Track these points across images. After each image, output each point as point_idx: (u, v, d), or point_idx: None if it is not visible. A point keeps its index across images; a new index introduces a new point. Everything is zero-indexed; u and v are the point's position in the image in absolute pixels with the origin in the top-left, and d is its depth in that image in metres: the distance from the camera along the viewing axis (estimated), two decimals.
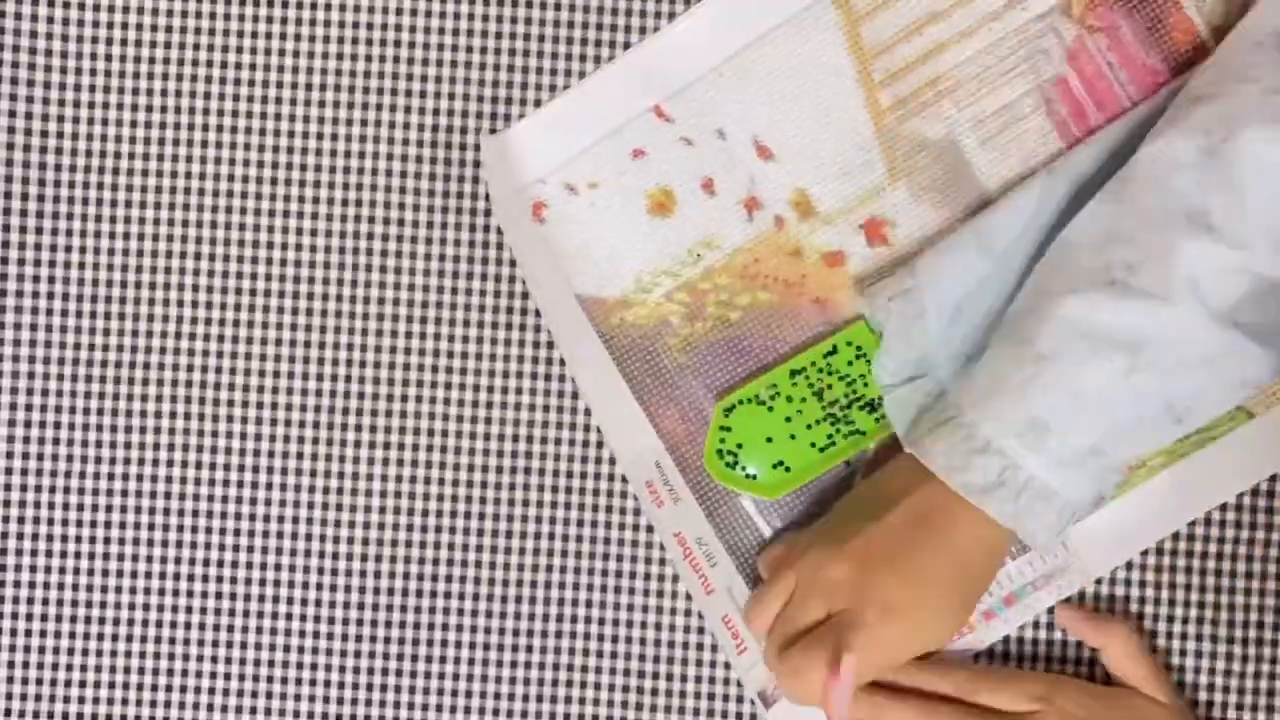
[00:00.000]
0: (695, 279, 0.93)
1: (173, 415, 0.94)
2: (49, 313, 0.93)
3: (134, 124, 0.93)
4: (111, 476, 0.94)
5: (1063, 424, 0.82)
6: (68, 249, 0.93)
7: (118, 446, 0.94)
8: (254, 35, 0.93)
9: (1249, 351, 0.81)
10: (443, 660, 0.94)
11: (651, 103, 0.93)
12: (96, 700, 0.94)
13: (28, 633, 0.94)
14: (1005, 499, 0.83)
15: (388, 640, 0.94)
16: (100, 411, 0.94)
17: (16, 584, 0.94)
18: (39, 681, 0.94)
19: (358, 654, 0.94)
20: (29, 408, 0.94)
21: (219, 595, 0.94)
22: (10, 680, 0.94)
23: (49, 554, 0.94)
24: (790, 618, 0.87)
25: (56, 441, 0.94)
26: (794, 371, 0.92)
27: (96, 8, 0.93)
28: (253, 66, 0.93)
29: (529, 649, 0.94)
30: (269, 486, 0.94)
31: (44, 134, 0.93)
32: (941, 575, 0.85)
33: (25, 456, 0.94)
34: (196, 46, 0.93)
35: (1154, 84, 0.91)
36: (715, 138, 0.93)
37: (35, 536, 0.94)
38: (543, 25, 0.93)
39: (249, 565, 0.94)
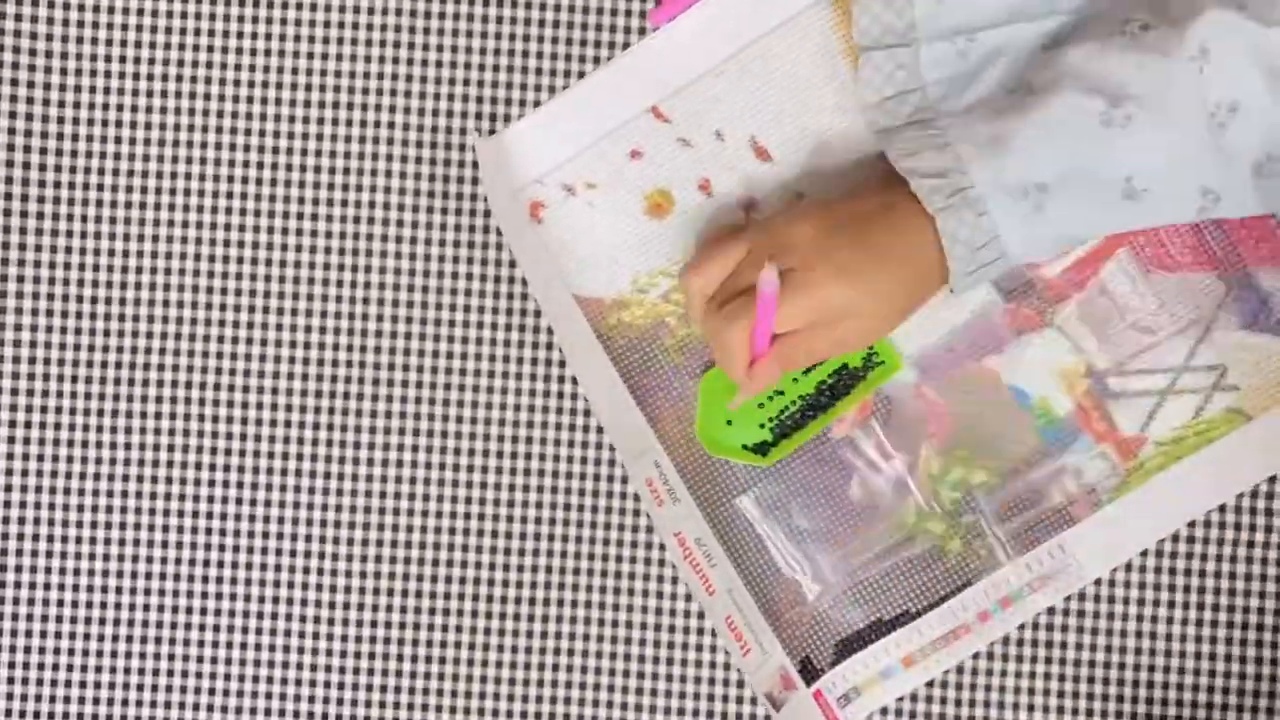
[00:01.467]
0: None
1: (172, 416, 0.94)
2: (49, 313, 0.93)
3: (134, 124, 0.93)
4: (112, 477, 0.94)
5: (1022, 148, 0.83)
6: (67, 249, 0.93)
7: (118, 447, 0.94)
8: (253, 36, 0.93)
9: (1219, 165, 0.82)
10: (442, 661, 0.94)
11: (649, 103, 0.93)
12: (97, 700, 0.94)
13: (28, 633, 0.94)
14: (939, 190, 0.83)
15: (388, 640, 0.94)
16: (100, 412, 0.94)
17: (17, 584, 0.94)
18: (39, 682, 0.94)
19: (358, 654, 0.94)
20: (29, 409, 0.94)
21: (219, 595, 0.94)
22: (10, 680, 0.94)
23: (49, 554, 0.94)
24: (736, 276, 0.87)
25: (57, 442, 0.94)
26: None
27: (96, 9, 0.93)
28: (252, 68, 0.93)
29: (528, 650, 0.94)
30: (269, 487, 0.94)
31: (44, 134, 0.93)
32: (893, 261, 0.85)
33: (25, 457, 0.94)
34: (196, 48, 0.93)
35: None
36: (713, 138, 0.93)
37: (36, 537, 0.94)
38: (541, 26, 0.93)
39: (249, 566, 0.94)
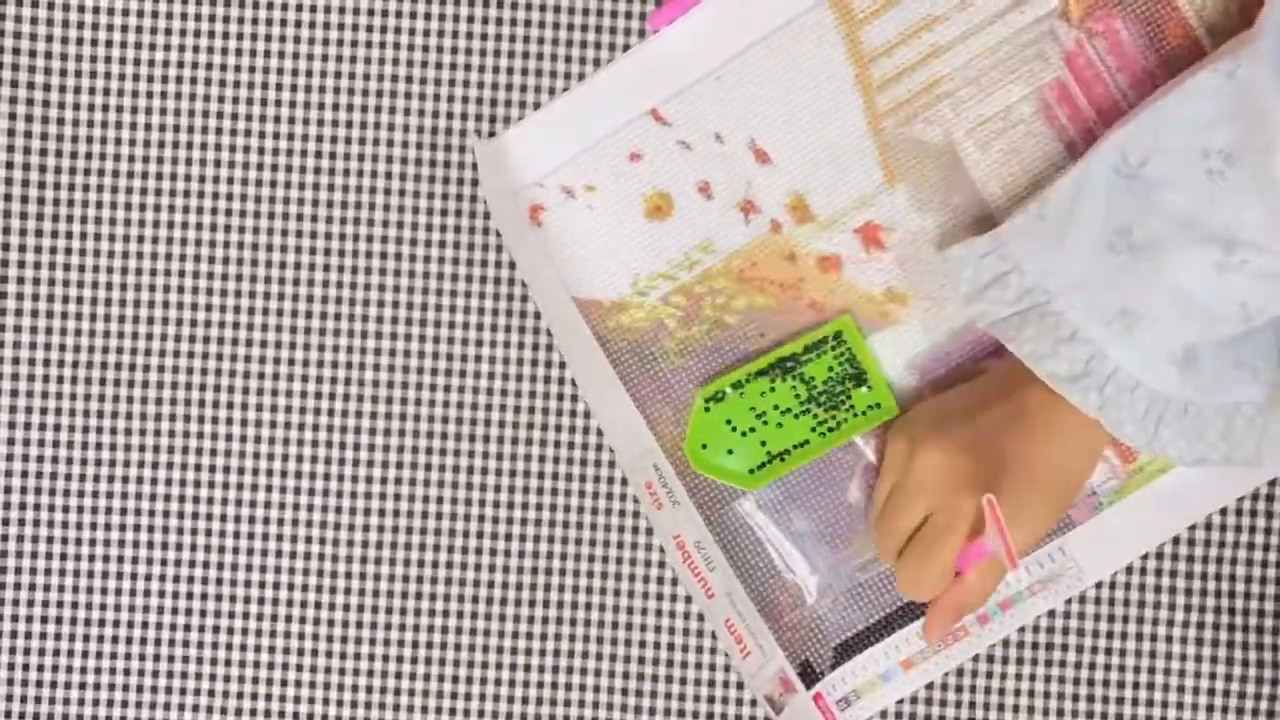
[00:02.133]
0: (691, 282, 0.93)
1: (171, 416, 0.94)
2: (49, 314, 0.93)
3: (133, 125, 0.93)
4: (112, 479, 0.94)
5: (1153, 314, 0.82)
6: (67, 250, 0.93)
7: (117, 448, 0.94)
8: (252, 37, 0.93)
9: None
10: (442, 661, 0.94)
11: (649, 106, 0.93)
12: (97, 701, 0.94)
13: (28, 634, 0.94)
14: (1090, 388, 0.83)
15: (387, 641, 0.94)
16: (100, 414, 0.94)
17: (17, 585, 0.94)
18: (39, 683, 0.94)
19: (358, 655, 0.94)
20: (29, 410, 0.94)
21: (217, 595, 0.94)
22: (10, 682, 0.95)
23: (49, 555, 0.94)
24: (891, 519, 0.87)
25: (56, 444, 0.94)
26: (781, 360, 0.92)
27: (96, 10, 0.93)
28: (251, 69, 0.93)
29: (528, 651, 0.94)
30: (268, 489, 0.94)
31: (44, 135, 0.93)
32: (1040, 469, 0.86)
33: (25, 458, 0.94)
34: (196, 49, 0.93)
35: (1152, 88, 0.91)
36: (713, 141, 0.93)
37: (35, 538, 0.94)
38: (541, 28, 0.93)
39: (248, 567, 0.94)
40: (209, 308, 0.93)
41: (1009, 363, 0.88)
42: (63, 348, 0.93)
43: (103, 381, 0.94)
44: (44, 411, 0.94)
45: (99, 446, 0.94)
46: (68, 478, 0.94)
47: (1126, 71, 0.91)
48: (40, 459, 0.94)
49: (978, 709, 0.94)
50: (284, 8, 0.93)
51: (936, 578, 0.85)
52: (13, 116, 0.93)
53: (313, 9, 0.93)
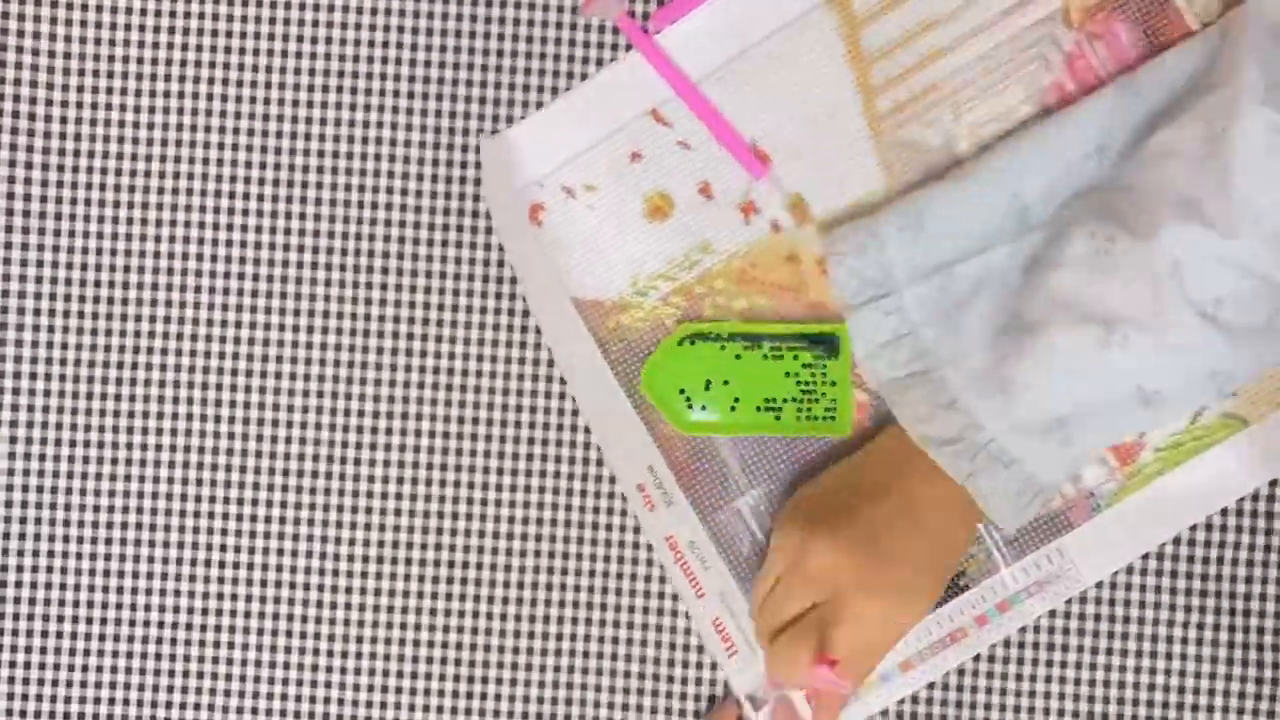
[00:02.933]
0: (691, 283, 0.93)
1: (174, 417, 0.94)
2: (51, 313, 0.94)
3: (136, 124, 0.93)
4: (114, 477, 0.94)
5: (1031, 390, 0.84)
6: (69, 249, 0.94)
7: (119, 447, 0.94)
8: (256, 36, 0.93)
9: (1222, 349, 0.83)
10: (442, 662, 0.95)
11: (649, 106, 0.93)
12: (98, 700, 0.95)
13: (29, 633, 0.95)
14: (961, 455, 0.85)
15: (387, 641, 0.95)
16: (102, 413, 0.94)
17: (18, 584, 0.95)
18: (40, 682, 0.95)
19: (358, 655, 0.95)
20: (30, 408, 0.94)
21: (220, 596, 0.95)
22: (11, 680, 0.95)
23: (50, 554, 0.94)
24: (776, 605, 0.89)
25: (59, 443, 0.94)
26: (773, 336, 0.92)
27: (99, 8, 0.93)
28: (255, 67, 0.93)
29: (529, 650, 0.95)
30: (270, 488, 0.94)
31: (47, 134, 0.93)
32: (917, 556, 0.87)
33: (27, 457, 0.94)
34: (199, 48, 0.93)
35: None
36: (713, 142, 0.93)
37: (37, 537, 0.94)
38: (544, 27, 0.93)
39: (249, 567, 0.94)
40: (210, 307, 0.94)
41: (890, 441, 0.89)
42: (64, 347, 0.94)
43: (104, 381, 0.94)
44: (45, 410, 0.94)
45: (100, 446, 0.94)
46: (69, 476, 0.94)
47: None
48: (42, 458, 0.94)
49: (978, 709, 0.94)
50: (287, 6, 0.93)
51: (808, 665, 0.86)
52: (16, 115, 0.93)
53: (315, 7, 0.93)
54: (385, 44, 0.93)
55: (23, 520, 0.94)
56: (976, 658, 0.94)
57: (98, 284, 0.94)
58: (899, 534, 0.86)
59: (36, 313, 0.94)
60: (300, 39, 0.93)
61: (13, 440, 0.94)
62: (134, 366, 0.94)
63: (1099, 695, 0.94)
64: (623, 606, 0.94)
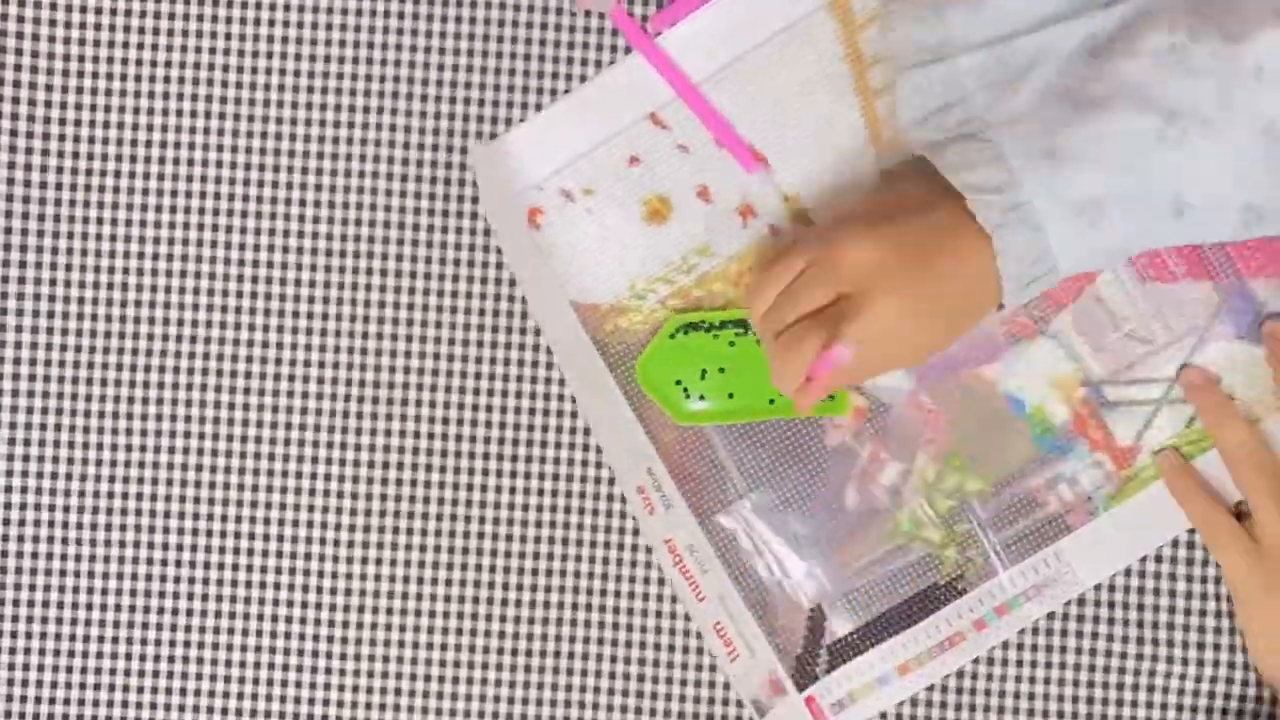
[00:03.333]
0: (689, 286, 0.93)
1: (173, 418, 0.94)
2: (50, 314, 0.94)
3: (135, 126, 0.93)
4: (113, 479, 0.94)
5: (1077, 163, 0.82)
6: (69, 250, 0.94)
7: (119, 448, 0.94)
8: (255, 39, 0.93)
9: (1264, 179, 0.82)
10: (442, 664, 0.95)
11: (648, 110, 0.93)
12: (96, 702, 0.95)
13: (28, 634, 0.95)
14: (994, 206, 0.82)
15: (387, 644, 0.95)
16: (101, 414, 0.94)
17: (17, 586, 0.95)
18: (39, 683, 0.95)
19: (357, 656, 0.95)
20: (30, 410, 0.94)
21: (219, 598, 0.95)
22: (10, 682, 0.95)
23: (49, 556, 0.95)
24: (795, 294, 0.86)
25: (58, 444, 0.94)
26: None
27: (99, 10, 0.93)
28: (254, 69, 0.93)
29: (528, 652, 0.95)
30: (269, 489, 0.94)
31: (45, 135, 0.93)
32: (947, 282, 0.85)
33: (26, 459, 0.94)
34: (199, 50, 0.93)
35: None
36: (711, 145, 0.93)
37: (36, 539, 0.95)
38: (543, 29, 0.93)
39: (249, 568, 0.95)
40: (210, 308, 0.94)
41: (925, 178, 0.87)
42: (64, 348, 0.94)
43: (103, 382, 0.94)
44: (45, 412, 0.94)
45: (99, 447, 0.94)
46: (68, 478, 0.94)
47: None
48: (41, 459, 0.94)
49: (978, 711, 0.94)
50: (285, 9, 0.93)
51: (801, 368, 0.85)
52: (15, 117, 0.93)
53: (315, 10, 0.93)
54: (386, 45, 0.93)
55: (21, 523, 0.95)
56: (975, 659, 0.94)
57: (96, 284, 0.94)
58: (933, 251, 0.84)
59: (35, 313, 0.94)
60: (299, 40, 0.93)
61: (11, 442, 0.94)
62: (134, 368, 0.94)
63: (1098, 695, 0.94)
64: (621, 609, 0.94)
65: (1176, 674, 0.94)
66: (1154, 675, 0.94)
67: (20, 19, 0.93)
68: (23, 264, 0.93)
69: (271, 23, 0.93)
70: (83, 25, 0.93)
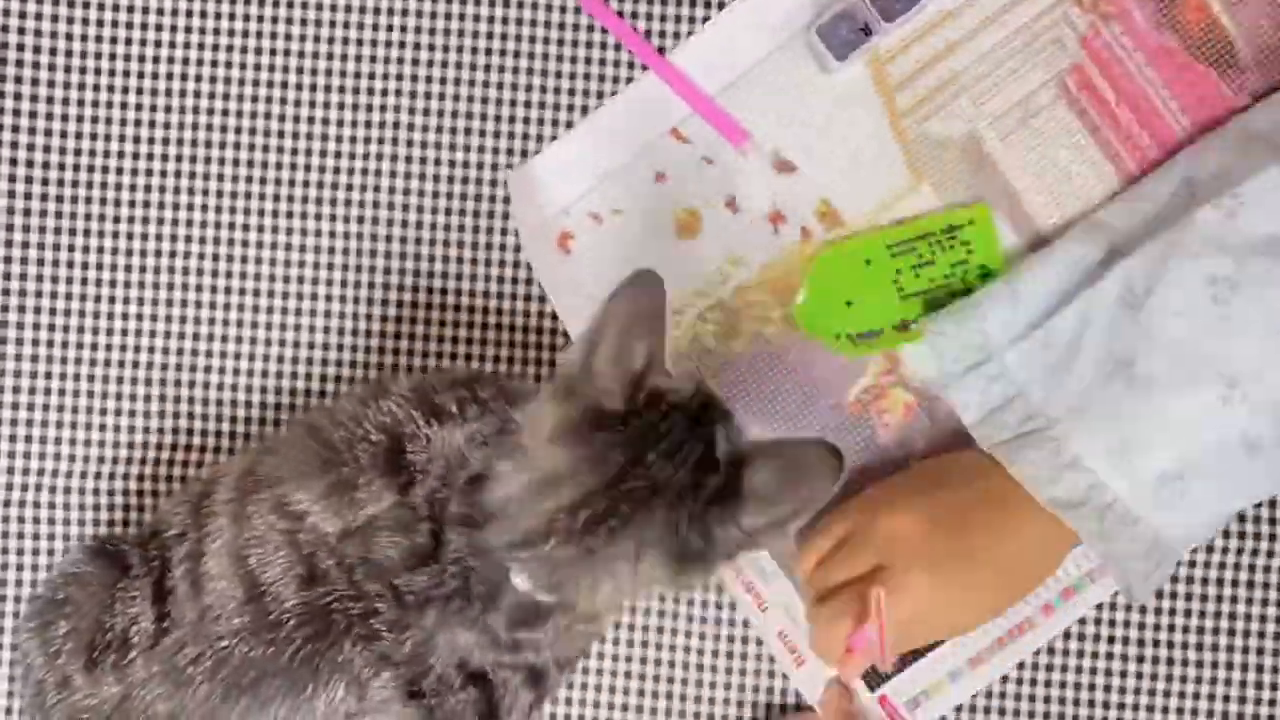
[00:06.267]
0: (726, 297, 0.93)
1: (176, 415, 0.94)
2: (52, 312, 0.93)
3: (150, 155, 0.93)
4: (113, 476, 0.93)
5: (1151, 449, 0.82)
6: (70, 248, 0.93)
7: (120, 446, 0.93)
8: (285, 68, 0.92)
9: None
10: None
11: (668, 126, 0.93)
12: None
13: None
14: (1089, 517, 0.83)
15: None
16: (103, 411, 0.93)
17: (18, 583, 0.93)
18: None
19: None
20: (30, 406, 0.93)
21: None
22: (11, 680, 0.93)
23: (50, 553, 0.93)
24: (835, 564, 0.86)
25: (59, 440, 0.93)
26: (902, 242, 0.93)
27: (102, 6, 0.92)
28: (283, 100, 0.93)
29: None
30: None
31: (48, 132, 0.93)
32: (998, 560, 0.85)
33: (27, 456, 0.93)
34: (214, 62, 0.93)
35: (1171, 64, 0.92)
36: (735, 155, 0.93)
37: (36, 535, 0.93)
38: (559, 61, 0.93)
39: None
40: (240, 323, 0.93)
41: (972, 452, 0.88)
42: (65, 345, 0.92)
43: (105, 379, 0.92)
44: (45, 409, 0.93)
45: (101, 445, 0.93)
46: (68, 475, 0.92)
47: (1144, 50, 0.92)
48: (42, 456, 0.93)
49: (1052, 701, 0.94)
50: (316, 37, 0.92)
51: (838, 642, 0.85)
52: (17, 113, 0.92)
53: (341, 21, 0.92)
54: (415, 77, 0.93)
55: (20, 520, 0.93)
56: (1035, 651, 0.94)
57: (99, 282, 0.94)
58: (980, 530, 0.84)
59: (37, 310, 0.93)
60: (330, 52, 0.93)
61: (12, 439, 0.93)
62: (135, 364, 0.94)
63: (1099, 700, 0.94)
64: (662, 611, 0.94)
65: (1177, 678, 0.95)
66: (1155, 680, 0.95)
67: (23, 15, 0.92)
68: (24, 260, 0.92)
69: (302, 38, 0.93)
70: (85, 21, 0.93)
